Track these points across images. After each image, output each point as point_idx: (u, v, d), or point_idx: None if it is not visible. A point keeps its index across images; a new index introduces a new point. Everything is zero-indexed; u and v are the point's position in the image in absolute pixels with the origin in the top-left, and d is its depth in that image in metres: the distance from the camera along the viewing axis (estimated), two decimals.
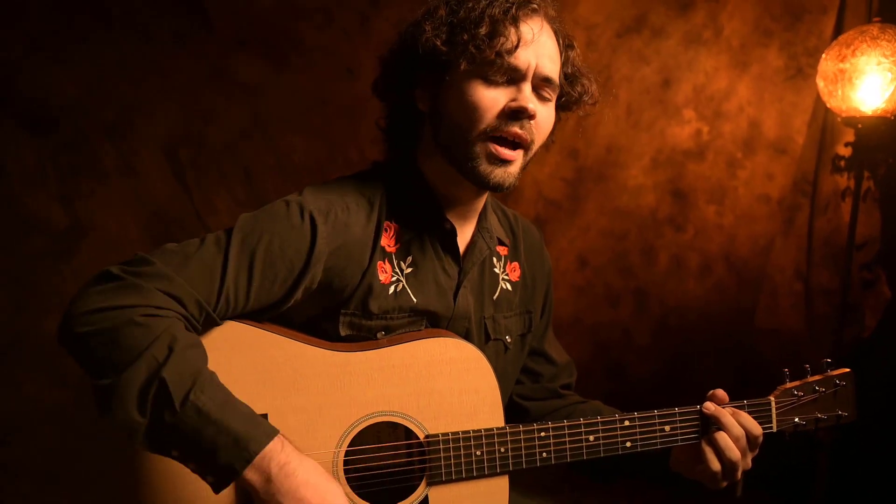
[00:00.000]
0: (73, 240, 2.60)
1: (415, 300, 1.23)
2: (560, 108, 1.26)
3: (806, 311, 3.21)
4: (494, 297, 1.35)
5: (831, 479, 2.58)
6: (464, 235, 1.31)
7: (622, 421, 1.20)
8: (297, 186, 2.97)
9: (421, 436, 1.14)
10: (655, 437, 1.22)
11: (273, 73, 2.74)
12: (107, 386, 0.95)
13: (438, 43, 1.13)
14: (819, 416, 1.30)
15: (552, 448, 1.17)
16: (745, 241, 3.16)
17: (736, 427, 1.20)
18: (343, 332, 1.19)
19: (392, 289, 1.21)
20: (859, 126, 2.45)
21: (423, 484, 1.13)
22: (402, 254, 1.24)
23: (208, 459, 0.96)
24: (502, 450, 1.15)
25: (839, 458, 2.60)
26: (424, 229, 1.26)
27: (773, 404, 1.27)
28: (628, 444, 1.20)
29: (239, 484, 0.98)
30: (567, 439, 1.17)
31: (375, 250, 1.20)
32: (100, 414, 0.96)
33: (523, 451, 1.16)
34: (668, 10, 3.00)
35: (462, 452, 1.14)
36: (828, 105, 2.57)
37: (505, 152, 1.15)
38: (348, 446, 1.11)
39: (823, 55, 2.52)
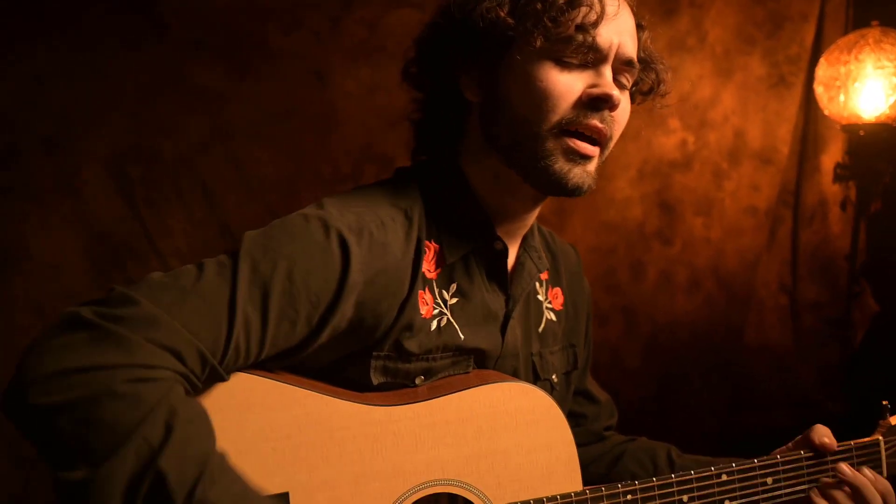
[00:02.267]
0: (1, 270, 2.26)
1: (462, 337, 1.00)
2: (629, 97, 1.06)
3: (792, 325, 3.12)
4: (540, 330, 1.14)
5: None
6: (510, 257, 1.09)
7: (719, 475, 1.00)
8: (262, 204, 2.69)
9: None
10: (757, 493, 1.02)
11: (234, 80, 2.47)
12: (79, 481, 0.68)
13: (503, 13, 0.91)
14: None
15: None
16: (733, 254, 3.05)
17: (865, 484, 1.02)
18: (376, 379, 0.95)
19: (435, 324, 0.98)
20: (861, 133, 2.36)
21: None
22: (444, 280, 1.01)
23: None
24: None
25: None
26: (471, 250, 1.03)
27: (881, 445, 1.10)
28: None
29: None
30: (658, 501, 0.96)
31: (417, 277, 0.96)
32: None
33: None
34: (652, 14, 2.84)
35: None
36: (826, 112, 2.48)
37: (586, 147, 0.94)
38: None
39: (822, 59, 2.43)
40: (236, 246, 0.87)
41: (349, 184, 2.67)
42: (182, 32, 2.40)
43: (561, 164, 0.94)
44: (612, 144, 1.00)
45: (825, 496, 1.04)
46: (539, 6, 0.90)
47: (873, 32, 2.29)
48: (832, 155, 2.87)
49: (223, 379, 0.81)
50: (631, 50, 0.97)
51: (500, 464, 0.92)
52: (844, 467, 1.06)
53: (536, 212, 1.09)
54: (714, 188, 3.02)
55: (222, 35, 2.46)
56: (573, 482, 0.96)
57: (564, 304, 1.21)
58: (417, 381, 0.98)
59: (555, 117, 0.93)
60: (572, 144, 0.93)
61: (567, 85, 0.93)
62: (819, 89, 2.42)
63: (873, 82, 2.27)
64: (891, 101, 2.26)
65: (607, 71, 0.95)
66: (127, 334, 0.73)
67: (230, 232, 2.52)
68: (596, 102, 0.93)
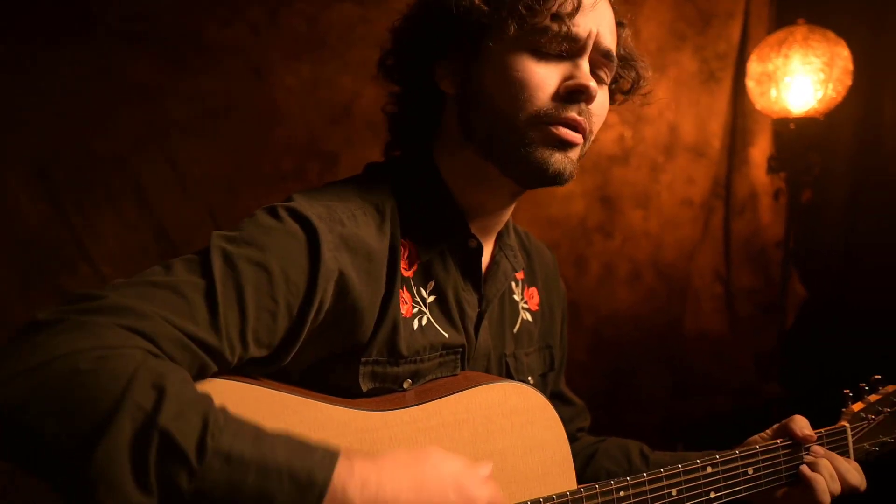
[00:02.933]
0: None
1: (446, 335, 0.98)
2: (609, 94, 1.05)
3: (727, 313, 3.24)
4: (515, 330, 1.13)
5: None
6: (485, 255, 1.08)
7: (704, 467, 1.01)
8: (200, 204, 2.57)
9: None
10: (739, 483, 1.04)
11: (169, 75, 2.36)
12: (78, 473, 0.62)
13: (477, 1, 0.89)
14: (884, 439, 1.18)
15: None
16: (671, 246, 3.13)
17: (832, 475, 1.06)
18: (365, 386, 0.92)
19: (416, 323, 0.96)
20: (791, 126, 2.45)
21: None
22: (420, 278, 0.98)
23: None
24: None
25: None
26: (445, 247, 1.01)
27: (848, 432, 1.14)
28: (712, 495, 1.02)
29: None
30: (649, 496, 0.97)
31: (395, 274, 0.93)
32: None
33: None
34: None
35: None
36: (757, 106, 2.57)
37: (567, 132, 0.92)
38: None
39: (753, 55, 2.52)
40: (204, 245, 0.82)
41: (292, 182, 2.60)
42: (111, 25, 2.28)
43: (541, 152, 0.92)
44: (592, 138, 0.99)
45: (813, 468, 1.07)
46: None
47: (801, 30, 2.38)
48: (761, 148, 2.99)
49: (207, 371, 0.75)
50: (609, 42, 0.96)
51: (498, 466, 0.90)
52: (819, 448, 1.10)
53: (511, 209, 1.08)
54: (651, 182, 3.10)
55: (154, 28, 2.35)
56: (568, 481, 0.95)
57: (540, 304, 1.21)
58: (405, 384, 0.95)
59: (532, 108, 0.91)
60: (554, 131, 0.91)
61: (543, 76, 0.91)
62: (751, 84, 2.51)
63: (802, 77, 2.36)
64: (818, 95, 2.35)
65: (584, 63, 0.93)
66: (92, 319, 0.68)
67: (167, 235, 2.41)
68: (573, 95, 0.91)
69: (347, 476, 0.70)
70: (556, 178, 0.94)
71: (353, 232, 0.89)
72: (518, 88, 0.91)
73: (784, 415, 1.14)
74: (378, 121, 2.79)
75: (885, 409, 1.18)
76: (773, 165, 2.55)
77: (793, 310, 3.09)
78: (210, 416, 0.66)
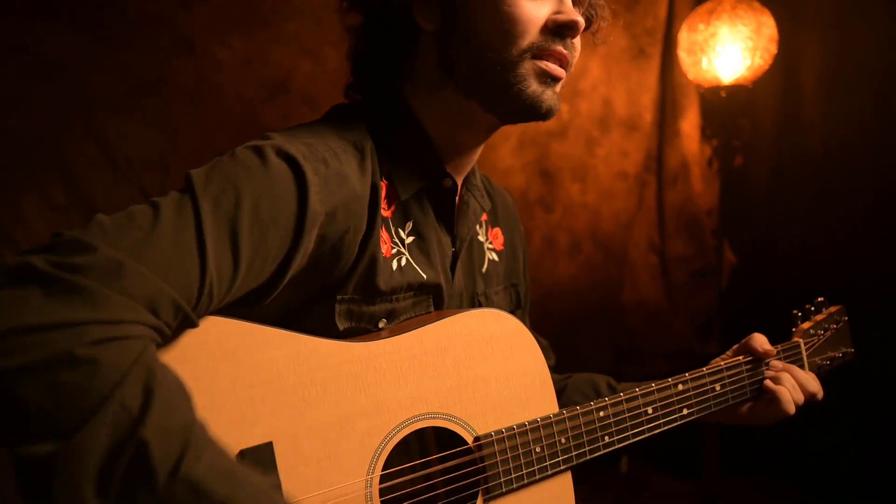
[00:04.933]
0: None
1: (424, 276, 0.97)
2: None
3: (663, 281, 3.34)
4: (483, 270, 1.13)
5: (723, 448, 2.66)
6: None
7: (675, 385, 1.04)
8: (132, 183, 2.46)
9: (469, 439, 0.88)
10: (709, 400, 1.06)
11: (91, 48, 2.24)
12: (45, 456, 0.58)
13: None
14: (832, 354, 1.24)
15: (614, 428, 0.97)
16: (609, 217, 3.20)
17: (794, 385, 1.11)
18: (341, 325, 0.90)
19: (395, 264, 0.94)
20: (723, 94, 2.54)
21: (479, 500, 0.87)
22: (399, 219, 0.97)
23: None
24: (563, 440, 0.93)
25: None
26: (421, 187, 1.00)
27: (802, 346, 1.19)
28: (685, 412, 1.05)
29: None
30: (627, 415, 0.98)
31: (376, 214, 0.91)
32: (25, 501, 0.59)
33: (585, 438, 0.95)
34: None
35: (520, 451, 0.89)
36: (689, 76, 2.65)
37: (557, 69, 0.92)
38: (382, 469, 0.82)
39: (683, 25, 2.59)
40: (183, 185, 0.77)
41: None
42: None
43: (535, 88, 0.92)
44: (570, 70, 0.99)
45: (776, 381, 1.12)
46: None
47: (728, 0, 2.47)
48: (690, 120, 3.09)
49: (195, 325, 0.72)
50: None
51: (482, 392, 0.89)
52: (778, 363, 1.15)
53: (482, 147, 1.07)
54: (588, 155, 3.15)
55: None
56: (549, 404, 0.95)
57: (504, 243, 1.21)
58: (381, 324, 0.93)
59: (524, 42, 0.90)
60: (544, 67, 0.91)
61: (533, 11, 0.91)
62: (682, 54, 2.58)
63: (731, 47, 2.44)
64: (747, 63, 2.44)
65: (568, 0, 0.94)
66: (90, 285, 0.62)
67: None
68: (561, 29, 0.92)
69: None
70: (548, 114, 0.95)
71: (336, 171, 0.86)
72: (510, 23, 0.90)
73: None
74: (316, 95, 2.72)
75: (832, 327, 1.24)
76: (707, 134, 2.63)
77: (726, 274, 3.22)
78: (191, 438, 0.63)
